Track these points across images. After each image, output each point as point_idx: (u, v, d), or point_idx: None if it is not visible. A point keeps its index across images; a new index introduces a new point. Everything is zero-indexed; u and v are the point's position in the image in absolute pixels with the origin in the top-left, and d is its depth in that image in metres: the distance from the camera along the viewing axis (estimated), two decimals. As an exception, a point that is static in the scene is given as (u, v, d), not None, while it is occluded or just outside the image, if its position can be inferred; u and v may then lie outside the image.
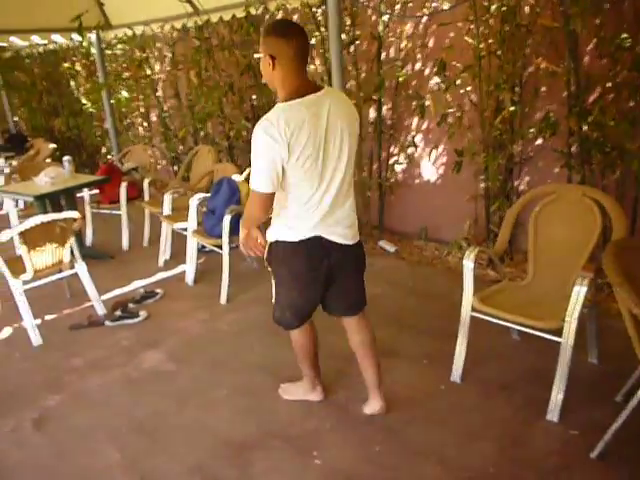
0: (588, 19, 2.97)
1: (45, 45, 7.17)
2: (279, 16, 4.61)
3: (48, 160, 6.04)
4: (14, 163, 6.36)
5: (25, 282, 3.19)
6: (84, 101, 7.56)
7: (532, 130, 3.51)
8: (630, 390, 2.29)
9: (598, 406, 2.34)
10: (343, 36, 3.85)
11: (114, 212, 4.77)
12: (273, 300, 2.35)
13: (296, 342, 2.38)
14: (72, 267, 3.41)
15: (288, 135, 1.86)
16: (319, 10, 4.32)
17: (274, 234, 2.16)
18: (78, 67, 7.58)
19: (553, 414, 2.28)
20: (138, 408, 2.61)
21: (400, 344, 2.98)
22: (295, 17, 4.60)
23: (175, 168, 6.64)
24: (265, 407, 2.54)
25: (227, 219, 3.48)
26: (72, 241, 3.35)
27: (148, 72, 6.34)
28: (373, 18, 4.19)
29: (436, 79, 3.81)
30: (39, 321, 3.44)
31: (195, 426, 2.45)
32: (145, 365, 2.97)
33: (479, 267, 3.52)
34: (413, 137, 4.22)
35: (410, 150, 4.31)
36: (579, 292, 2.17)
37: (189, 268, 3.97)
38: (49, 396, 2.74)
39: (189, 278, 3.98)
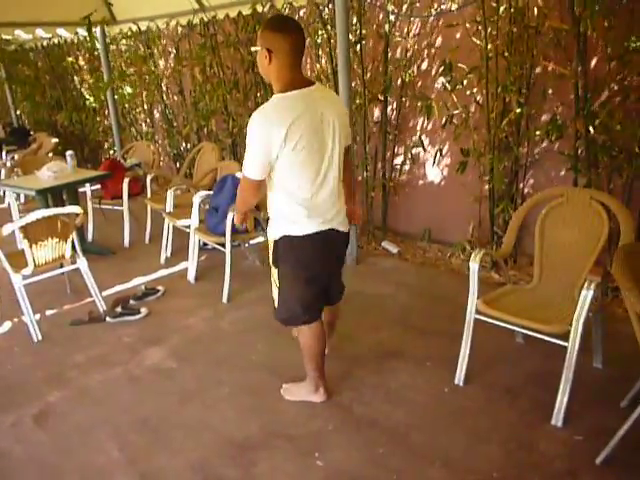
0: (597, 21, 2.95)
1: (49, 39, 7.14)
2: (285, 13, 4.59)
3: (50, 154, 6.03)
4: (16, 157, 6.33)
5: (26, 277, 3.17)
6: (87, 96, 7.54)
7: (538, 132, 3.49)
8: (636, 395, 2.29)
9: (603, 411, 2.32)
10: (349, 35, 3.83)
11: (116, 208, 4.77)
12: (275, 302, 2.34)
13: (304, 343, 2.37)
14: (73, 262, 3.40)
15: (284, 123, 1.90)
16: (326, 9, 4.30)
17: (277, 231, 2.16)
18: (82, 62, 7.56)
19: (558, 418, 2.26)
20: (140, 405, 2.59)
21: (404, 345, 2.96)
22: (302, 14, 4.59)
23: (177, 165, 6.63)
24: (268, 406, 2.52)
25: (230, 217, 3.46)
26: (74, 236, 3.33)
27: (152, 68, 6.33)
28: (380, 17, 4.17)
29: (442, 79, 3.79)
30: (39, 316, 3.43)
31: (197, 424, 2.43)
32: (147, 362, 2.95)
33: (482, 270, 3.50)
34: (420, 137, 4.20)
35: (415, 150, 4.29)
36: (586, 296, 2.15)
37: (191, 265, 3.95)
38: (49, 392, 2.72)
39: (191, 276, 3.96)
